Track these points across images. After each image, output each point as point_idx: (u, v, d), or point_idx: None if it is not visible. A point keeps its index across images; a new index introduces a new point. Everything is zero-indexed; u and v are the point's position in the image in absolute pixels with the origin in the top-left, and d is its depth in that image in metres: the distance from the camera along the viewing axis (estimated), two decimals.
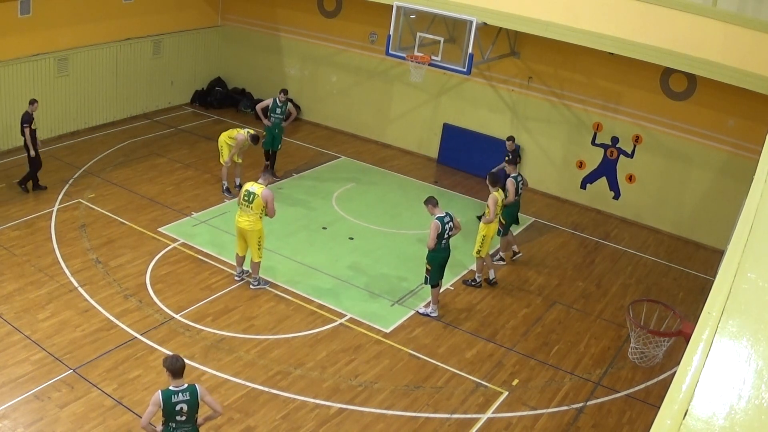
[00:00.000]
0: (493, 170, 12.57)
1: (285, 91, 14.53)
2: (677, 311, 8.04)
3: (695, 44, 11.52)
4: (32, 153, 12.73)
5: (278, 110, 14.37)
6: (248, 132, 13.42)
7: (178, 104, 18.61)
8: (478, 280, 11.59)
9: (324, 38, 17.67)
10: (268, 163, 14.61)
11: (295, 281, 11.14)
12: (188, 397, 6.35)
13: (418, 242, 12.37)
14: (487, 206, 11.08)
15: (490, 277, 11.70)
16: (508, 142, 13.49)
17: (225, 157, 13.50)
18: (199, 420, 6.61)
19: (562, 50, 14.12)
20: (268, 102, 14.44)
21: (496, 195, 11.03)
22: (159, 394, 6.33)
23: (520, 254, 12.68)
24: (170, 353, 6.90)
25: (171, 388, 6.35)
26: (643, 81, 13.88)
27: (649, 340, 7.70)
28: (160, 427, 6.48)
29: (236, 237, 10.70)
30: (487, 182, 11.27)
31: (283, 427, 8.15)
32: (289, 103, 14.73)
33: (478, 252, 11.33)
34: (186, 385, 6.40)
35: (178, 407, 6.32)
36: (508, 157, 13.00)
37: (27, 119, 12.57)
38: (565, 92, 14.96)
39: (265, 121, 14.37)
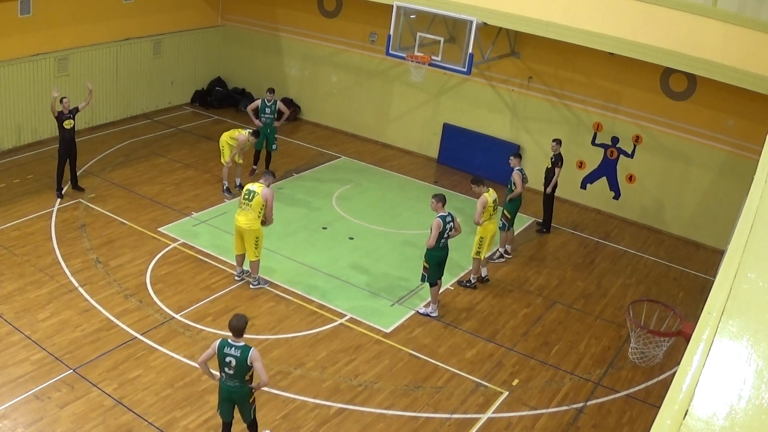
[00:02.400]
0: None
1: (272, 90, 14.50)
2: (677, 311, 8.04)
3: (695, 44, 11.52)
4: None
5: (267, 110, 14.35)
6: (249, 132, 13.44)
7: (179, 104, 18.62)
8: (473, 281, 11.59)
9: (324, 38, 17.67)
10: (255, 167, 14.52)
11: (295, 281, 11.14)
12: (238, 355, 6.93)
13: (419, 242, 12.36)
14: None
15: (483, 275, 11.69)
16: (553, 144, 13.28)
17: (226, 157, 13.50)
18: (253, 384, 7.16)
19: (562, 50, 14.13)
20: (257, 103, 14.43)
21: (486, 196, 10.96)
22: (218, 341, 7.05)
23: (510, 256, 12.65)
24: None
25: (229, 341, 7.02)
26: (643, 81, 13.88)
27: (649, 340, 7.70)
28: (218, 374, 7.18)
29: (234, 236, 10.71)
30: (472, 183, 11.15)
31: (283, 427, 8.16)
32: (279, 102, 14.71)
33: (477, 254, 11.33)
34: (242, 344, 6.99)
35: (227, 359, 6.95)
36: (552, 159, 13.25)
37: (57, 119, 12.55)
38: (565, 92, 14.96)
39: (257, 122, 14.35)
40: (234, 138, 13.38)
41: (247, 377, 7.04)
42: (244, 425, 7.46)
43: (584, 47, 12.86)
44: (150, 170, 14.64)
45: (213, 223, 12.69)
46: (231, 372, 6.98)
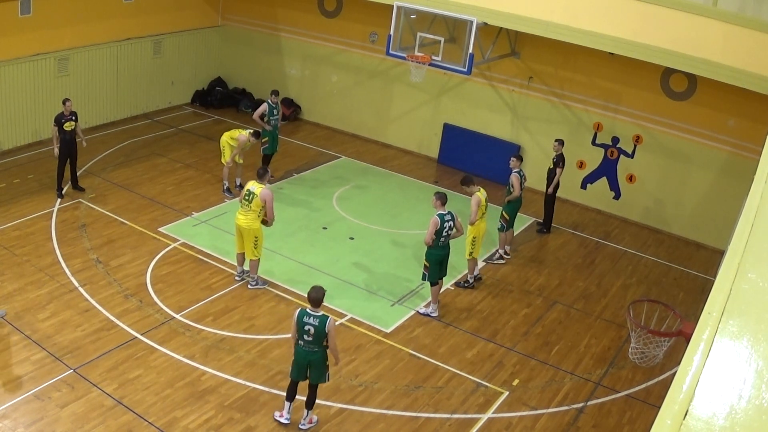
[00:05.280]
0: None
1: (277, 93, 14.44)
2: (677, 311, 8.05)
3: (695, 44, 11.52)
4: (55, 152, 12.71)
5: (275, 111, 14.31)
6: (249, 132, 13.42)
7: (179, 104, 18.62)
8: (470, 281, 11.58)
9: (324, 38, 17.67)
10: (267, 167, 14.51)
11: (295, 281, 11.13)
12: (317, 323, 7.61)
13: (419, 242, 12.35)
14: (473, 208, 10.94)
15: (475, 274, 11.65)
16: (555, 144, 13.27)
17: (226, 157, 13.50)
18: (330, 349, 7.80)
19: (563, 50, 14.12)
20: (264, 108, 14.16)
21: (478, 195, 10.95)
22: (297, 311, 7.72)
23: (509, 256, 12.64)
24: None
25: (308, 310, 7.68)
26: (644, 81, 13.88)
27: (649, 340, 7.70)
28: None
29: (235, 234, 10.73)
30: (462, 185, 11.10)
31: (284, 428, 8.15)
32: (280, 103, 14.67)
33: (471, 254, 11.31)
34: (321, 314, 7.67)
35: (306, 327, 7.62)
36: (554, 159, 13.24)
37: (56, 120, 12.56)
38: (566, 92, 14.96)
39: (266, 127, 14.17)
40: (234, 138, 13.38)
41: (324, 343, 7.71)
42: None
43: (584, 47, 12.86)
44: (150, 170, 14.64)
45: (213, 223, 12.69)
46: (310, 339, 7.64)
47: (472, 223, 10.98)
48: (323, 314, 7.65)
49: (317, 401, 8.56)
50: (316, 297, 7.66)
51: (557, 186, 13.32)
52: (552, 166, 13.30)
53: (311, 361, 7.78)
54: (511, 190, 12.10)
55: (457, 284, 11.60)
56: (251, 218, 10.38)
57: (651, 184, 14.53)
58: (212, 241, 12.05)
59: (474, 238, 11.16)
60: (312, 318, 7.59)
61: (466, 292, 11.43)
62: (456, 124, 16.37)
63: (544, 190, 13.57)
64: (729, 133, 13.40)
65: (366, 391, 8.94)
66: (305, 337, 7.63)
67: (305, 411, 8.16)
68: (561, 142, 13.22)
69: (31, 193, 13.01)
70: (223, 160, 13.67)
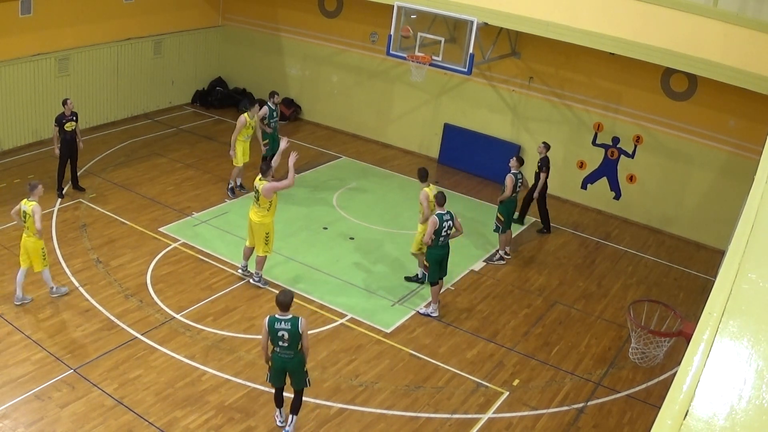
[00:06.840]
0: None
1: (276, 94, 14.41)
2: (678, 311, 8.04)
3: (696, 44, 11.52)
4: (56, 152, 12.74)
5: (274, 114, 14.28)
6: (247, 113, 13.36)
7: (179, 104, 18.62)
8: (420, 275, 11.34)
9: (325, 38, 17.67)
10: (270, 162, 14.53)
11: (295, 281, 11.14)
12: (289, 327, 7.43)
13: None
14: (420, 204, 10.66)
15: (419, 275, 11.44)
16: (540, 147, 13.05)
17: (238, 159, 13.42)
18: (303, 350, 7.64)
19: (563, 50, 14.12)
20: (264, 111, 14.00)
21: (427, 191, 10.71)
22: (266, 319, 7.50)
23: (509, 257, 12.62)
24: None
25: (276, 316, 7.48)
26: (644, 81, 13.88)
27: (649, 341, 7.71)
28: (270, 351, 7.61)
29: (247, 228, 10.80)
30: (420, 179, 10.87)
31: (282, 429, 8.15)
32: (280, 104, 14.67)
33: (420, 249, 10.94)
34: (290, 316, 7.47)
35: (279, 333, 7.44)
36: (539, 162, 13.06)
37: (57, 120, 12.60)
38: (566, 92, 14.96)
39: (267, 129, 14.06)
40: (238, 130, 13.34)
41: (299, 347, 7.55)
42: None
43: (585, 47, 12.86)
44: (151, 170, 14.65)
45: (214, 223, 12.70)
46: (285, 344, 7.48)
47: (427, 219, 10.42)
48: (293, 316, 7.48)
49: (318, 401, 8.58)
50: (284, 300, 7.46)
51: (543, 189, 13.14)
52: (537, 171, 13.15)
53: (288, 368, 7.67)
54: (504, 190, 12.04)
55: (407, 278, 11.43)
56: (261, 214, 10.48)
57: (651, 184, 14.52)
58: (212, 241, 12.05)
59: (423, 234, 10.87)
60: (283, 322, 7.42)
61: (467, 292, 11.42)
62: (456, 125, 16.37)
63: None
64: (729, 134, 13.40)
65: (366, 391, 8.95)
66: (280, 343, 7.47)
67: (290, 416, 7.99)
68: (547, 146, 13.03)
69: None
70: (234, 162, 13.56)
